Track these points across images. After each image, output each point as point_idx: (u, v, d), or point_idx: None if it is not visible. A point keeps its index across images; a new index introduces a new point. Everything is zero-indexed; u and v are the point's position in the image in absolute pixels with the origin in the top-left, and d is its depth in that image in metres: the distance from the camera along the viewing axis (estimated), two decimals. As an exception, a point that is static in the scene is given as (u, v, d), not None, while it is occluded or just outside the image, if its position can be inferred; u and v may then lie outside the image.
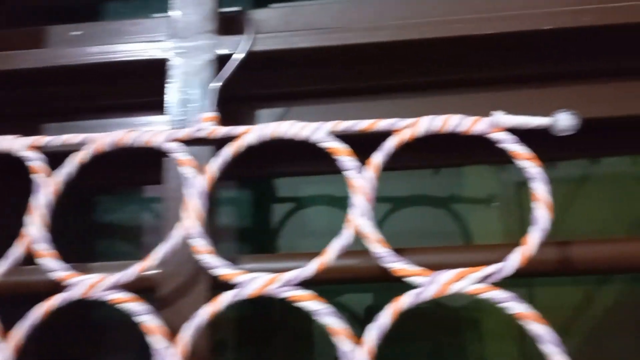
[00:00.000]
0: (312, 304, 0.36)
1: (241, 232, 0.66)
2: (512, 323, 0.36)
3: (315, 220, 0.69)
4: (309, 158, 0.54)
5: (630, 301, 0.70)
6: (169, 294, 0.42)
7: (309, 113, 0.51)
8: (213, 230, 0.44)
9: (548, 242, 0.42)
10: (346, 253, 0.44)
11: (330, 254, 0.37)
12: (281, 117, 0.51)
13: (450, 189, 0.71)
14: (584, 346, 0.69)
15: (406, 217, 0.71)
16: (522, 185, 0.69)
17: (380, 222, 0.71)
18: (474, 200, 0.71)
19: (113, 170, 0.56)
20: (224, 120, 0.45)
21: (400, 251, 0.43)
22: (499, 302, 0.34)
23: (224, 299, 0.37)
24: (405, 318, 0.36)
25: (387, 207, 0.72)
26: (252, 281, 0.37)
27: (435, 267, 0.38)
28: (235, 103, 0.51)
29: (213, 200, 0.45)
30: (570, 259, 0.41)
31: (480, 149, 0.55)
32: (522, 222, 0.69)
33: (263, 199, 0.70)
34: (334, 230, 0.40)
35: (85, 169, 0.45)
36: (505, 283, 0.35)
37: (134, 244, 0.65)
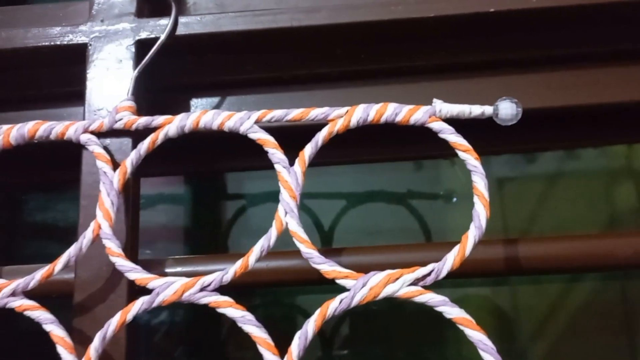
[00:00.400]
0: (231, 310, 0.33)
1: (187, 231, 0.63)
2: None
3: (265, 218, 0.66)
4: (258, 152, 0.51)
5: (603, 298, 0.68)
6: (86, 299, 0.39)
7: (249, 103, 0.47)
8: (133, 229, 0.41)
9: (492, 240, 0.40)
10: (280, 253, 0.42)
11: (252, 256, 0.34)
12: (218, 107, 0.47)
13: (409, 184, 0.68)
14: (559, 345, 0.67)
15: (363, 214, 0.68)
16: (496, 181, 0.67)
17: (336, 220, 0.68)
18: (433, 196, 0.68)
19: (37, 167, 0.53)
20: (158, 112, 0.41)
21: (337, 252, 0.41)
22: (433, 306, 0.32)
23: (137, 306, 0.34)
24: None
25: (342, 203, 0.69)
26: (168, 286, 0.34)
27: (373, 268, 0.35)
28: (169, 93, 0.48)
29: (134, 197, 0.41)
30: (513, 258, 0.38)
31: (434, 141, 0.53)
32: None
33: (210, 196, 0.66)
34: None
35: (6, 165, 0.41)
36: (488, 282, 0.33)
37: (65, 244, 0.61)
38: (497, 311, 0.65)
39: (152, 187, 0.63)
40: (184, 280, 0.34)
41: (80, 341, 0.37)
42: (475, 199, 0.34)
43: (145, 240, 0.63)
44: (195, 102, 0.48)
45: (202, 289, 0.34)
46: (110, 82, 0.43)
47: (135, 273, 0.35)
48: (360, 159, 0.56)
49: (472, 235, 0.33)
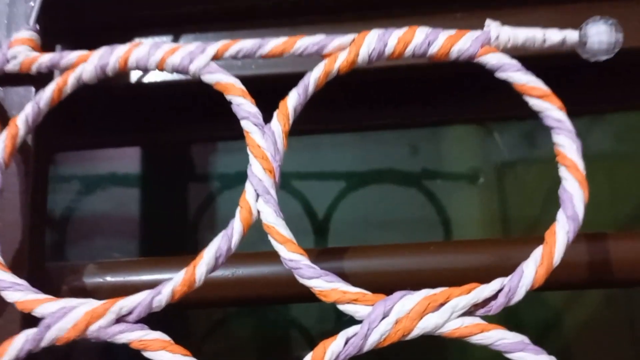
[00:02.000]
0: (164, 356, 0.20)
1: (139, 224, 0.49)
2: None
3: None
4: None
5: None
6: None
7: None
8: (35, 222, 0.28)
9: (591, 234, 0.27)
10: (254, 256, 0.29)
11: (201, 266, 0.21)
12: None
13: (425, 160, 0.54)
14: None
15: (367, 200, 0.55)
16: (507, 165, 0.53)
17: (333, 207, 0.55)
18: (455, 176, 0.54)
19: None
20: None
21: (336, 253, 0.28)
22: (503, 351, 0.19)
23: (16, 347, 0.21)
24: None
25: (341, 185, 0.55)
26: (65, 315, 0.21)
27: (394, 282, 0.22)
28: (104, 32, 0.35)
29: (37, 174, 0.28)
30: (610, 262, 0.26)
31: (463, 100, 0.40)
32: (504, 206, 0.53)
33: (171, 176, 0.52)
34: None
35: None
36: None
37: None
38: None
39: (89, 165, 0.50)
40: (90, 305, 0.21)
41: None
42: (564, 172, 0.21)
43: (80, 235, 0.50)
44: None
45: (120, 319, 0.21)
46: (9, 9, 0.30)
47: (16, 292, 0.22)
48: (364, 125, 0.43)
49: (562, 231, 0.20)
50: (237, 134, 0.39)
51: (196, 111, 0.41)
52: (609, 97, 0.35)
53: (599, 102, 0.36)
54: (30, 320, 0.25)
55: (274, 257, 0.28)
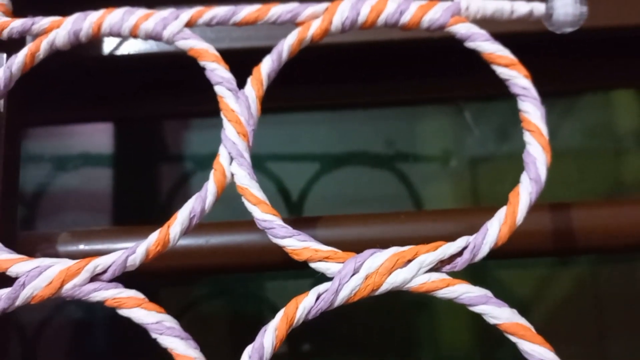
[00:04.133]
0: (139, 313, 0.20)
1: (110, 201, 0.49)
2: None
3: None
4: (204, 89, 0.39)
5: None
6: None
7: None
8: (6, 190, 0.28)
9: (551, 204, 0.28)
10: (227, 225, 0.29)
11: (175, 226, 0.21)
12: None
13: (400, 140, 0.54)
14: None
15: (340, 181, 0.55)
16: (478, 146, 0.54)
17: (307, 187, 0.55)
18: (427, 158, 0.54)
19: None
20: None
21: (309, 222, 0.28)
22: (468, 304, 0.20)
23: (-11, 306, 0.21)
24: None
25: (314, 167, 0.55)
26: (40, 274, 0.21)
27: (364, 246, 0.23)
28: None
29: (8, 145, 0.28)
30: (573, 231, 0.27)
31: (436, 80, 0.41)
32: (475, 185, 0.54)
33: (142, 153, 0.52)
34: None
35: None
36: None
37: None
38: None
39: (57, 141, 0.49)
40: (65, 264, 0.21)
41: None
42: (528, 137, 0.22)
43: (50, 211, 0.50)
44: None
45: (94, 278, 0.21)
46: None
47: (-12, 252, 0.22)
48: (336, 104, 0.44)
49: (525, 192, 0.21)
50: (210, 109, 0.40)
51: (168, 86, 0.41)
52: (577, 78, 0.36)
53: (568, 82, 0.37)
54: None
55: (246, 225, 0.28)
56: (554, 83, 0.40)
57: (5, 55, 0.28)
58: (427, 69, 0.40)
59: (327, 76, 0.41)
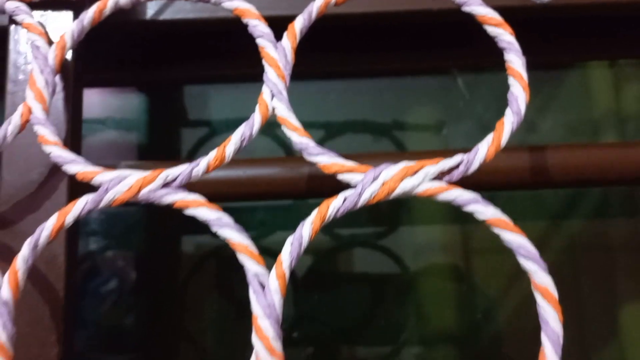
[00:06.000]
0: (203, 211, 0.26)
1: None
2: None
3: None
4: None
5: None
6: (14, 207, 0.31)
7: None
8: (75, 121, 0.33)
9: (518, 147, 0.34)
10: (260, 161, 0.35)
11: (230, 145, 0.27)
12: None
13: (399, 109, 0.59)
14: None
15: (344, 147, 0.59)
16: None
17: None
18: (422, 127, 0.59)
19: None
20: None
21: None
22: (461, 205, 0.25)
23: (79, 206, 0.26)
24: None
25: (319, 134, 0.60)
26: (120, 181, 0.26)
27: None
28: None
29: (76, 86, 0.33)
30: (546, 166, 0.32)
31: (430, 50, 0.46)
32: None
33: (167, 116, 0.57)
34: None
35: None
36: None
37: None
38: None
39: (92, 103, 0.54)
40: (142, 173, 0.26)
41: (6, 257, 0.29)
42: (512, 81, 0.27)
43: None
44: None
45: (166, 185, 0.26)
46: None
47: (77, 165, 0.27)
48: (345, 70, 0.49)
49: (508, 122, 0.26)
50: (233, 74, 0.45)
51: (194, 51, 0.46)
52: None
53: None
54: (73, 196, 0.30)
55: (278, 162, 0.34)
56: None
57: (72, 14, 0.33)
58: (423, 40, 0.45)
59: (322, 46, 0.46)
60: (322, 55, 0.46)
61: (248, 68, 0.39)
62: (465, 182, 0.25)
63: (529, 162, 0.33)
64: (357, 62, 0.47)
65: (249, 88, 0.47)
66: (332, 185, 0.27)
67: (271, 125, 0.33)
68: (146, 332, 0.55)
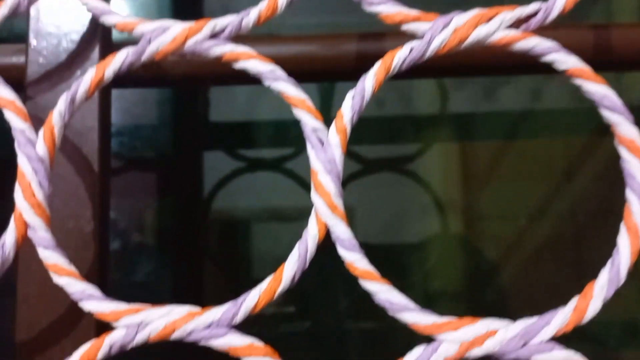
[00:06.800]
0: (254, 64, 0.24)
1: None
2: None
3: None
4: None
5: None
6: (45, 74, 0.29)
7: None
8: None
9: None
10: (306, 39, 0.32)
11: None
12: None
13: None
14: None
15: None
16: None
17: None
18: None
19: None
20: None
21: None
22: (540, 54, 0.23)
23: (120, 59, 0.24)
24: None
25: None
26: (164, 31, 0.24)
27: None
28: None
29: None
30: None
31: None
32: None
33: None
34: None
35: None
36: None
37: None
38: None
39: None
40: (188, 23, 0.24)
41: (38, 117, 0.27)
42: None
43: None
44: None
45: (213, 36, 0.24)
46: None
47: (113, 16, 0.25)
48: None
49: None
50: None
51: None
52: None
53: None
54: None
55: (324, 38, 0.31)
56: None
57: None
58: None
59: None
60: None
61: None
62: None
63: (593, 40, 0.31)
64: None
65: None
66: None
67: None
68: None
